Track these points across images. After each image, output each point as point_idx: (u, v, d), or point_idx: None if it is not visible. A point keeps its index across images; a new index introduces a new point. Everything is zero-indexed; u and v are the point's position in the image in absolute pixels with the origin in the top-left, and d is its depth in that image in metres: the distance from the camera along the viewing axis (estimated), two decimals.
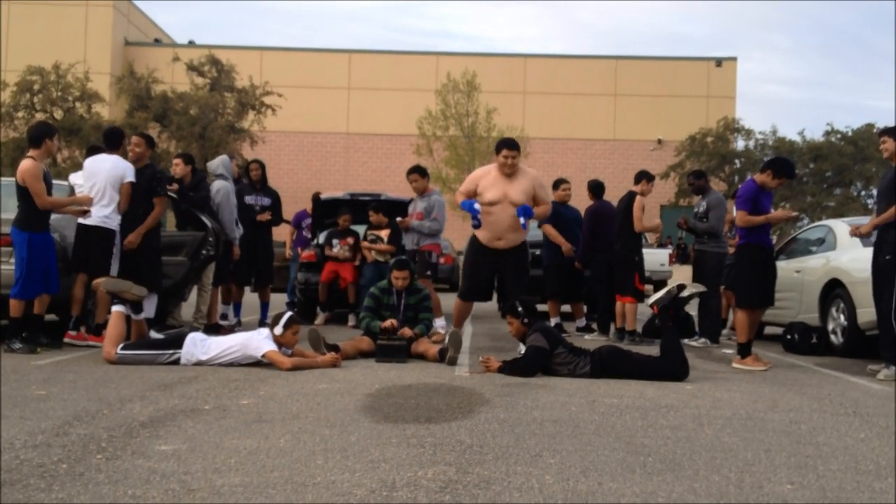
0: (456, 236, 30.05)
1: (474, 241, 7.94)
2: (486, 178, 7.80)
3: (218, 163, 9.94)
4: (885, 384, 6.68)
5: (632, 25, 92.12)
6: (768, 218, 7.71)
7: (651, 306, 7.16)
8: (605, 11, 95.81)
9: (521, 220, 7.57)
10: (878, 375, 7.05)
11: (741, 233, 7.86)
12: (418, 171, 10.03)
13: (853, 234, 7.88)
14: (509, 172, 7.71)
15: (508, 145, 7.76)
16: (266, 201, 10.46)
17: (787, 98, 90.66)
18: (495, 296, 12.00)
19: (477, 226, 7.67)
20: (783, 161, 8.04)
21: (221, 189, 9.60)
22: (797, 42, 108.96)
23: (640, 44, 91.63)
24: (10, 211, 7.94)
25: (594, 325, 10.76)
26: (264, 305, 10.57)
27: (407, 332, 7.63)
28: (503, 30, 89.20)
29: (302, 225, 12.68)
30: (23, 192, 7.40)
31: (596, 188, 10.71)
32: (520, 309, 6.91)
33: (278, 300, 12.02)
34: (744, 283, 7.84)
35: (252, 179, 10.58)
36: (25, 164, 7.43)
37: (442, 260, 23.63)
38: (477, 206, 7.63)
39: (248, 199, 10.33)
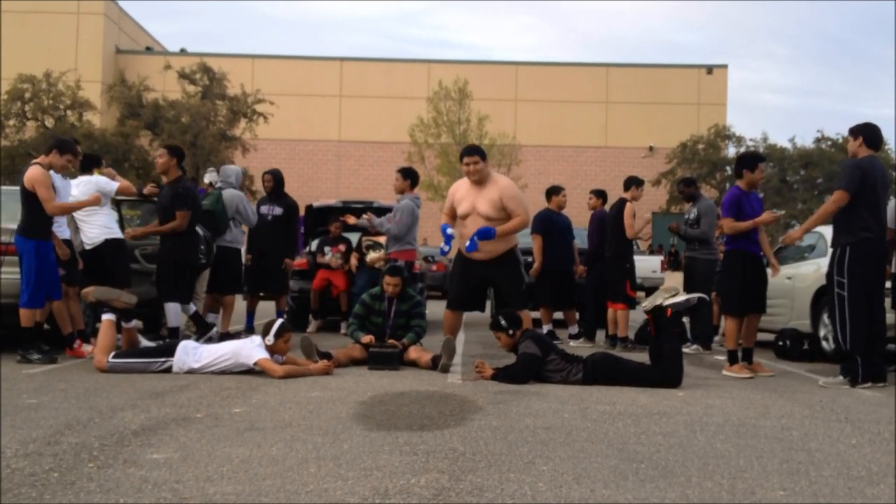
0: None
1: (458, 252, 7.92)
2: (459, 191, 7.70)
3: (232, 171, 10.16)
4: (876, 390, 6.70)
5: (627, 33, 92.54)
6: (755, 222, 7.75)
7: (665, 308, 6.99)
8: (602, 19, 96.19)
9: (467, 242, 7.41)
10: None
11: (726, 240, 7.98)
12: (401, 171, 10.04)
13: None
14: (476, 180, 7.55)
15: (468, 152, 7.64)
16: (278, 211, 10.53)
17: (778, 105, 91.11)
18: (489, 306, 11.96)
19: (445, 252, 7.63)
20: (743, 156, 8.33)
21: (238, 197, 9.82)
22: (791, 50, 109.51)
23: (634, 51, 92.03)
24: (9, 219, 7.87)
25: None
26: (280, 314, 10.54)
27: (393, 343, 7.59)
28: (502, 39, 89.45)
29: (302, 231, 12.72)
30: (27, 199, 7.23)
31: (599, 195, 10.77)
32: (503, 322, 6.91)
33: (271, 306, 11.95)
34: (726, 290, 7.96)
35: (266, 190, 10.78)
36: (32, 170, 7.28)
37: (434, 268, 23.71)
38: (450, 230, 7.57)
39: (263, 209, 10.53)
